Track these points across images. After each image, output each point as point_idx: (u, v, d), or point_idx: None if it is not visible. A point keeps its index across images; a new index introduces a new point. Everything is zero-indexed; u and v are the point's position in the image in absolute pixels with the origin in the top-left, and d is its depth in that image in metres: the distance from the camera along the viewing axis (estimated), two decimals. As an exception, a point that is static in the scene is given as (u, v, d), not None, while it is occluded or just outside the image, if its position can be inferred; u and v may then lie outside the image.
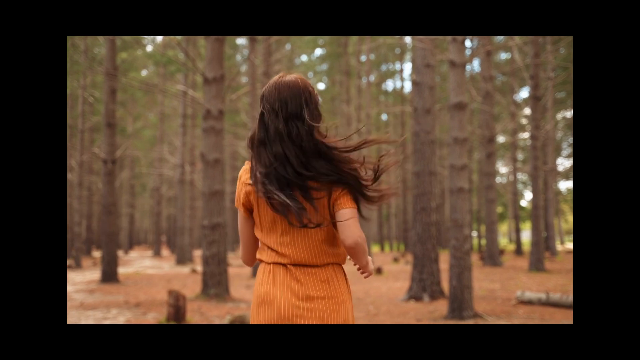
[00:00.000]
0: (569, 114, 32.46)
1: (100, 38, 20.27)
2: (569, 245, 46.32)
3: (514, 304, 9.46)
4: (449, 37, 8.32)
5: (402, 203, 35.41)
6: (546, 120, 22.53)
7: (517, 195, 28.85)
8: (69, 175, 23.35)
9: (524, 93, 37.26)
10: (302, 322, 1.90)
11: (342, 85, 27.19)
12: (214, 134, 10.54)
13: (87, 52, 21.75)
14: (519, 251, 27.46)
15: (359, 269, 2.04)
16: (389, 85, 39.12)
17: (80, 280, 15.06)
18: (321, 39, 28.70)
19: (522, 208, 48.26)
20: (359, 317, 8.34)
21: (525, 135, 32.31)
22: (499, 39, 24.09)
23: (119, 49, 23.54)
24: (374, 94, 35.65)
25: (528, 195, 58.59)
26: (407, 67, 33.78)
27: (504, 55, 31.42)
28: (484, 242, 35.26)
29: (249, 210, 2.03)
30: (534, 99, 17.09)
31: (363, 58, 26.26)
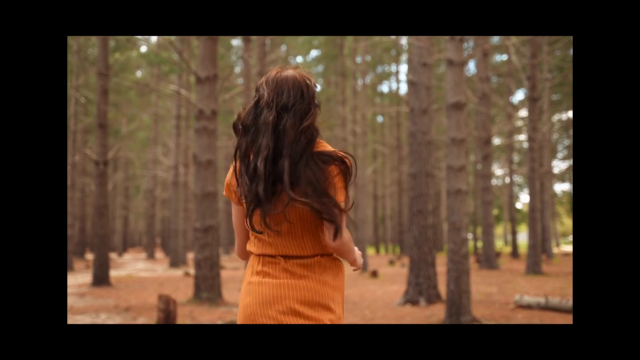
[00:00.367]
0: (564, 116, 32.40)
1: (93, 38, 20.07)
2: (565, 248, 46.31)
3: (512, 309, 9.28)
4: (446, 36, 8.14)
5: (398, 205, 35.19)
6: (542, 123, 22.41)
7: (513, 198, 28.69)
8: (61, 177, 22.97)
9: (519, 95, 37.24)
10: (287, 302, 1.89)
11: (338, 87, 26.98)
12: (206, 134, 10.33)
13: (79, 52, 21.50)
14: (515, 254, 27.33)
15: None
16: (385, 87, 39.01)
17: (72, 284, 14.80)
18: (316, 40, 28.51)
19: (518, 210, 48.14)
20: (354, 322, 8.13)
21: (521, 137, 32.24)
22: (496, 39, 23.97)
23: (113, 49, 23.31)
24: (370, 96, 35.48)
25: (524, 198, 58.63)
26: (403, 69, 33.62)
27: (499, 57, 31.30)
28: (479, 244, 35.14)
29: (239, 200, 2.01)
30: (531, 100, 16.94)
31: (359, 60, 26.10)
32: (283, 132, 1.84)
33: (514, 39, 16.99)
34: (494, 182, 36.70)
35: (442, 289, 11.19)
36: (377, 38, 24.63)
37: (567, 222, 64.73)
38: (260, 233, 1.93)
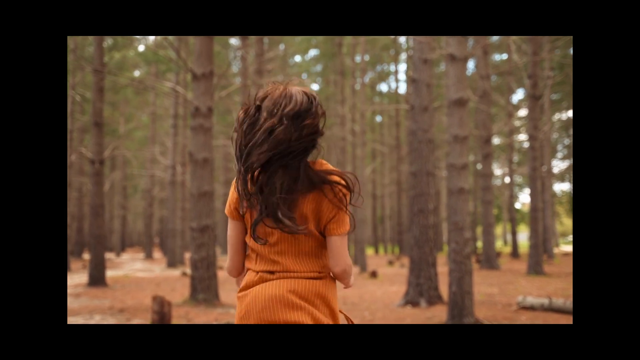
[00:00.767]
0: (564, 115, 32.24)
1: (90, 37, 19.83)
2: (565, 248, 46.16)
3: (515, 310, 9.08)
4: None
5: (397, 205, 34.94)
6: (543, 122, 22.23)
7: (513, 198, 28.52)
8: (58, 176, 22.78)
9: (519, 95, 37.08)
10: (283, 293, 1.86)
11: (337, 85, 26.76)
12: (202, 132, 10.13)
13: (76, 51, 21.27)
14: (515, 254, 27.16)
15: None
16: (384, 86, 38.83)
17: (68, 284, 14.59)
18: (315, 39, 28.33)
19: (517, 210, 48.00)
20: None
21: (521, 137, 32.08)
22: (496, 37, 23.79)
23: (111, 48, 23.10)
24: (369, 95, 35.28)
25: (523, 198, 58.47)
26: (402, 68, 33.41)
27: (498, 57, 31.13)
28: (479, 244, 34.97)
29: (241, 216, 1.95)
30: (532, 98, 16.74)
31: (358, 59, 25.92)
32: (287, 142, 1.78)
33: (514, 37, 16.81)
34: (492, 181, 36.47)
35: (443, 289, 11.00)
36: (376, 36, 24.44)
37: (566, 222, 64.61)
38: (264, 243, 1.89)
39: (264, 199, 1.80)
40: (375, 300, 11.04)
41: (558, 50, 21.91)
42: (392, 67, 35.61)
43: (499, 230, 64.19)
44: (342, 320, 2.07)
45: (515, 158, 35.50)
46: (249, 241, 1.94)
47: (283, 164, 1.79)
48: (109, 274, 18.07)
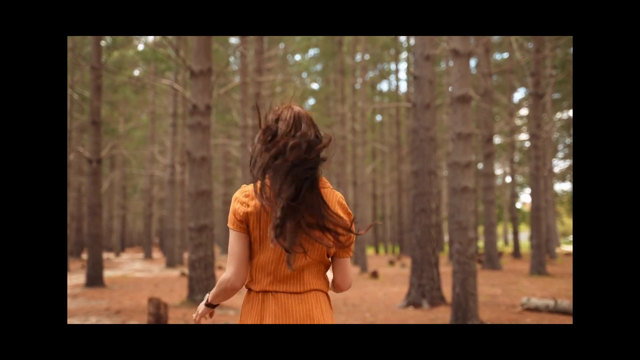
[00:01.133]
0: (565, 114, 32.05)
1: (88, 36, 19.67)
2: (566, 248, 45.96)
3: (519, 311, 8.90)
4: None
5: (397, 204, 34.73)
6: (545, 121, 22.04)
7: (515, 197, 28.34)
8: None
9: (520, 94, 36.90)
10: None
11: (337, 84, 26.54)
12: (200, 130, 9.94)
13: (74, 50, 21.10)
14: (516, 254, 26.98)
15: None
16: (384, 85, 38.64)
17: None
18: (314, 38, 28.13)
19: (518, 210, 47.81)
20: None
21: (522, 137, 31.89)
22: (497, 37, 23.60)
23: (110, 47, 22.93)
24: (369, 94, 35.09)
25: (524, 198, 58.29)
26: (403, 67, 33.26)
27: (499, 56, 30.94)
28: (481, 244, 34.76)
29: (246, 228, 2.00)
30: (535, 97, 16.55)
31: (358, 58, 25.75)
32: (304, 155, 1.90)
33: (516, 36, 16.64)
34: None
35: (446, 290, 10.82)
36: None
37: (567, 222, 64.41)
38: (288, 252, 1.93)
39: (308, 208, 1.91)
40: (376, 301, 10.85)
41: (559, 50, 21.73)
42: (393, 66, 35.45)
43: (499, 230, 64.00)
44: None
45: (516, 157, 35.30)
46: (254, 257, 2.01)
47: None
48: (108, 274, 17.89)
